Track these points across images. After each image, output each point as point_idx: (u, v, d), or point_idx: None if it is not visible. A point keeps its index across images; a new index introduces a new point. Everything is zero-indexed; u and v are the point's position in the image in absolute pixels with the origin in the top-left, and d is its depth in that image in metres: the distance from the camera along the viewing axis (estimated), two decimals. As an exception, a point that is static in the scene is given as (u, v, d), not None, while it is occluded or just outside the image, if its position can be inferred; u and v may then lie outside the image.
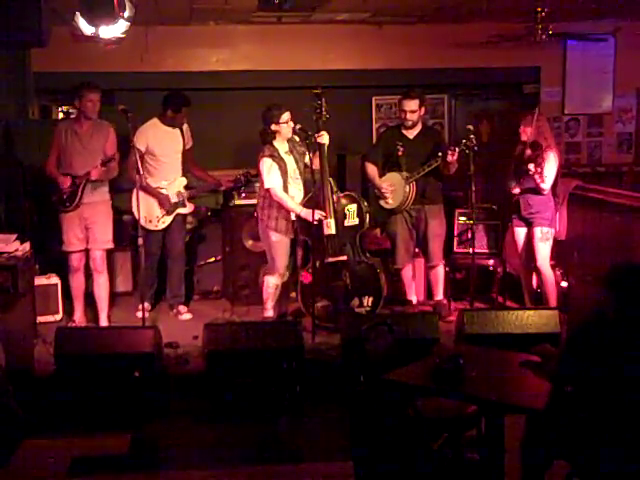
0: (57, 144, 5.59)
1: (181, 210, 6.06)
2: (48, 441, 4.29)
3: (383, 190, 5.83)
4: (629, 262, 3.65)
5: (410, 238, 5.94)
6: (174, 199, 5.98)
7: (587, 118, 7.98)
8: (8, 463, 4.01)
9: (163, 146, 5.85)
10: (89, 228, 5.63)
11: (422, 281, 6.30)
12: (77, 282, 5.76)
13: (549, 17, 6.49)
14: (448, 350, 4.02)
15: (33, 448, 4.20)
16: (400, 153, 5.78)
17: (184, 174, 6.08)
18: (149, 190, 5.83)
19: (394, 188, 5.80)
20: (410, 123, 5.81)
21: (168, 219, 6.00)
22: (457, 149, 5.52)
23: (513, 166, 5.77)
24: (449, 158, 5.53)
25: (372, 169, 5.97)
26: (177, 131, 6.06)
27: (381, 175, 5.91)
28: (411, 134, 5.88)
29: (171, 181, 5.96)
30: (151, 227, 5.91)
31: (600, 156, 8.04)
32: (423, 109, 5.86)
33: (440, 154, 5.58)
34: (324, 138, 5.45)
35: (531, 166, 5.53)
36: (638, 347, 3.03)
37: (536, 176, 5.54)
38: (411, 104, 5.77)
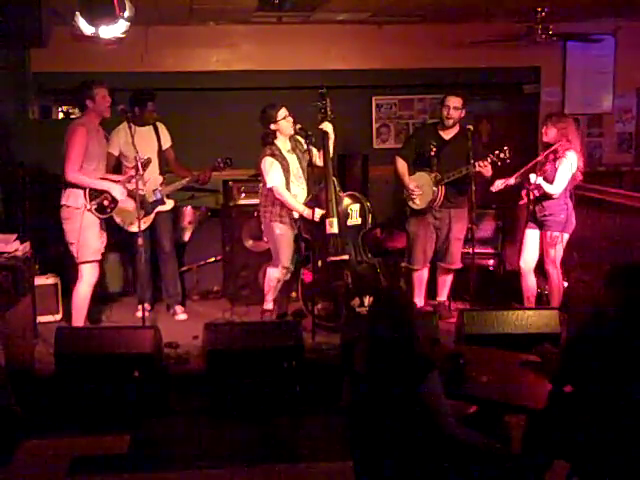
0: (82, 147, 5.19)
1: (161, 208, 6.03)
2: (48, 441, 4.28)
3: (410, 191, 5.76)
4: (629, 262, 3.64)
5: (430, 240, 5.86)
6: (151, 198, 5.96)
7: (587, 118, 7.98)
8: (8, 463, 4.01)
9: (137, 146, 5.52)
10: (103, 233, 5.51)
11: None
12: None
13: (549, 17, 6.50)
14: (448, 350, 4.02)
15: (33, 448, 4.20)
16: (432, 153, 5.67)
17: (162, 173, 6.05)
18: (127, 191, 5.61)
19: (422, 189, 5.72)
20: (451, 122, 5.67)
21: (148, 219, 5.96)
22: (488, 160, 5.48)
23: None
24: (478, 168, 5.49)
25: (402, 165, 5.85)
26: (150, 130, 6.03)
27: (410, 173, 5.83)
28: (447, 135, 5.76)
29: (147, 180, 5.85)
30: (131, 229, 5.75)
31: (600, 156, 8.05)
32: (464, 112, 5.72)
33: (472, 161, 5.49)
34: (327, 126, 5.42)
35: (532, 177, 5.48)
36: (638, 347, 3.03)
37: (536, 185, 5.49)
38: (456, 101, 5.64)
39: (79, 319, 5.43)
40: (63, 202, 5.30)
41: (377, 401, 3.03)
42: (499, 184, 5.70)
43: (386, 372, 3.02)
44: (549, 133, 5.54)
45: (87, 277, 5.39)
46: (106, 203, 5.36)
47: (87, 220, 5.28)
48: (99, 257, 5.43)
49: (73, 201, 5.26)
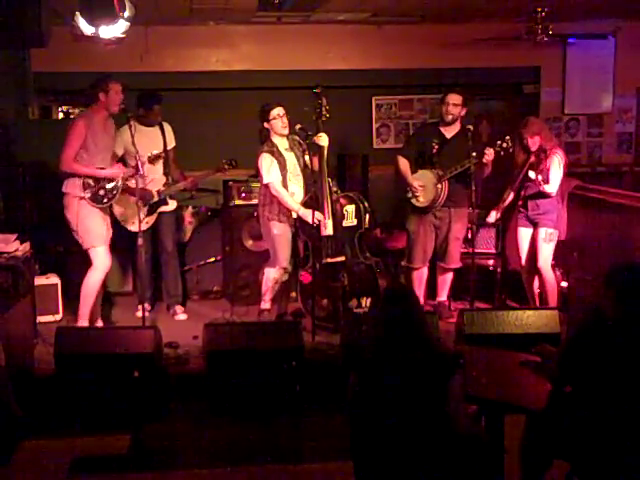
0: (79, 138, 5.28)
1: (164, 208, 6.05)
2: (48, 441, 4.29)
3: (414, 189, 5.74)
4: (629, 262, 3.65)
5: (430, 239, 5.85)
6: (155, 198, 5.97)
7: (587, 118, 7.98)
8: (8, 463, 4.01)
9: (141, 146, 5.57)
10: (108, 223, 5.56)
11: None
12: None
13: (549, 17, 6.51)
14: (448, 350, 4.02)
15: (33, 448, 4.20)
16: (434, 150, 5.69)
17: (166, 173, 6.07)
18: (128, 190, 5.66)
19: (425, 186, 5.72)
20: (451, 118, 5.67)
21: (151, 219, 5.99)
22: (493, 150, 5.47)
23: (516, 174, 5.75)
24: (484, 159, 5.47)
25: (404, 164, 5.83)
26: (156, 130, 6.06)
27: (412, 172, 5.82)
28: (448, 133, 5.76)
29: (151, 180, 5.90)
30: (133, 228, 5.71)
31: (600, 156, 8.05)
32: (464, 110, 5.72)
33: (474, 154, 5.47)
34: (323, 140, 5.42)
35: (532, 173, 5.56)
36: (638, 347, 3.03)
37: (538, 183, 5.58)
38: (455, 98, 5.65)
39: (85, 307, 5.45)
40: (63, 189, 5.36)
41: (394, 395, 3.01)
42: (495, 215, 5.94)
43: (409, 367, 3.01)
44: (536, 142, 5.63)
45: (97, 263, 5.41)
46: (102, 192, 5.39)
47: (86, 208, 5.35)
48: (104, 244, 5.44)
49: (71, 189, 5.34)
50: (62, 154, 5.30)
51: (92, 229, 5.39)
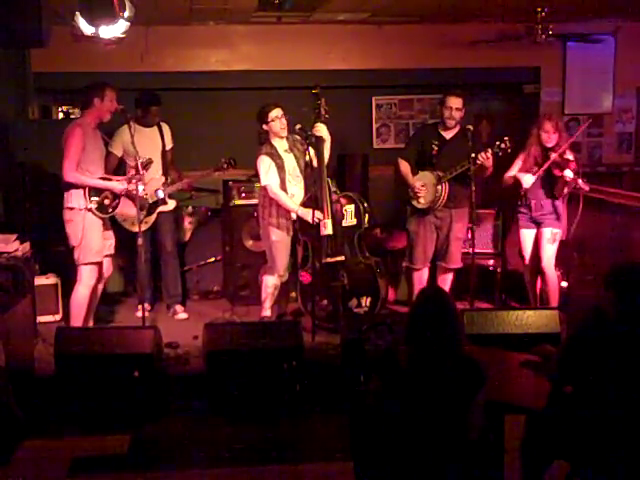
0: (80, 147, 5.17)
1: (163, 208, 6.04)
2: (48, 441, 4.29)
3: (416, 190, 5.70)
4: (629, 262, 3.64)
5: (430, 240, 5.83)
6: (153, 198, 5.97)
7: (587, 118, 7.97)
8: (8, 463, 4.01)
9: (140, 146, 5.52)
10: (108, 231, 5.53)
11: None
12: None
13: (549, 17, 6.51)
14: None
15: (33, 448, 4.20)
16: (434, 152, 5.67)
17: (165, 173, 6.07)
18: (127, 191, 5.55)
19: (426, 187, 5.70)
20: (453, 123, 5.63)
21: (150, 219, 5.99)
22: (490, 151, 5.43)
23: (532, 163, 5.70)
24: (480, 160, 5.42)
25: (405, 166, 5.80)
26: (154, 131, 6.07)
27: (414, 173, 5.79)
28: (448, 134, 5.73)
29: (149, 180, 5.89)
30: (133, 229, 5.68)
31: (600, 156, 8.05)
32: (463, 111, 5.67)
33: (473, 155, 5.43)
34: (320, 130, 5.39)
35: (569, 172, 5.47)
36: (638, 347, 3.03)
37: (572, 183, 5.49)
38: (457, 101, 5.60)
39: (77, 321, 5.40)
40: (66, 204, 5.27)
41: (421, 402, 2.98)
42: (531, 180, 5.67)
43: (441, 375, 2.99)
44: (553, 139, 5.61)
45: (86, 279, 5.35)
46: (107, 202, 5.34)
47: (89, 221, 5.28)
48: (100, 259, 5.41)
49: (76, 202, 5.24)
50: (64, 165, 5.17)
51: (92, 244, 5.30)
